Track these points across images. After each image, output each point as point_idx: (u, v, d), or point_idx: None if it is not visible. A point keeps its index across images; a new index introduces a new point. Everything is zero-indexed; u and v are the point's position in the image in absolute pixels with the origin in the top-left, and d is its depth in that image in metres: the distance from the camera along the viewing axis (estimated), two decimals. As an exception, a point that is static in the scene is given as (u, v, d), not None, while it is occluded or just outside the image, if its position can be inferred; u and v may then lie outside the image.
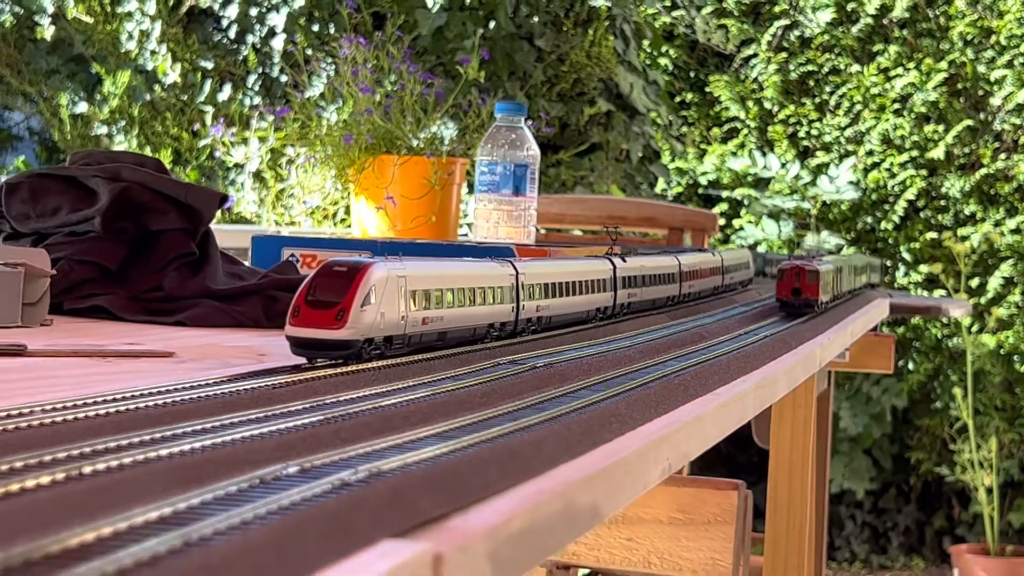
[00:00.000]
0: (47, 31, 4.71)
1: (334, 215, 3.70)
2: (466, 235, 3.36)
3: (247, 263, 1.95)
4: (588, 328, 1.65)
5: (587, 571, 2.30)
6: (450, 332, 1.29)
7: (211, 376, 1.03)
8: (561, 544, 0.79)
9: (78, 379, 1.10)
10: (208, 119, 4.64)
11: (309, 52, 4.34)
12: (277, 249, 2.03)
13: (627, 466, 0.91)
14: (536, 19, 4.79)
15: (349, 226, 3.45)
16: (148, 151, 4.66)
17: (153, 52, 4.71)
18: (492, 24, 4.71)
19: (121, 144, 4.68)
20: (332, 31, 4.60)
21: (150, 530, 0.55)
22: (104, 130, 4.72)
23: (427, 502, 0.67)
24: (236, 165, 4.55)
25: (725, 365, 1.42)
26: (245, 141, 4.33)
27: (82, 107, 4.73)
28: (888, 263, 5.90)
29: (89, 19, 4.73)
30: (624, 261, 1.82)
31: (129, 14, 4.71)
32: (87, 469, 0.66)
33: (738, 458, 5.79)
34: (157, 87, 4.72)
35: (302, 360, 1.14)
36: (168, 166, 4.61)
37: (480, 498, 0.72)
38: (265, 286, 1.67)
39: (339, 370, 1.10)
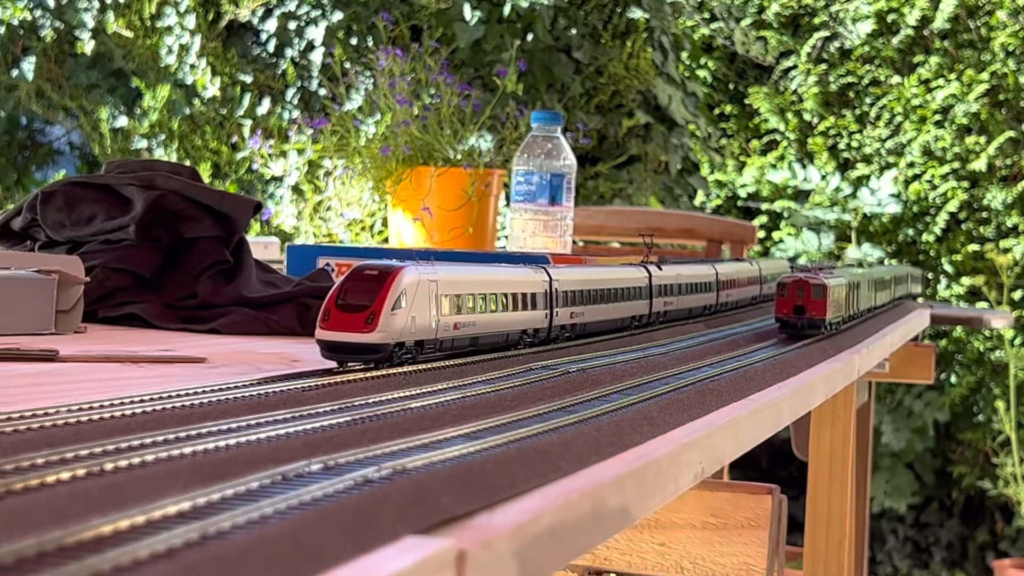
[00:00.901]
0: (87, 46, 4.74)
1: (371, 227, 3.70)
2: (504, 247, 3.35)
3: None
4: (623, 336, 1.64)
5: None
6: (482, 338, 1.28)
7: (241, 379, 1.03)
8: (590, 545, 0.78)
9: (108, 383, 1.10)
10: (247, 132, 4.65)
11: (347, 65, 4.35)
12: (312, 258, 2.03)
13: (658, 469, 0.90)
14: (574, 31, 4.78)
15: (386, 238, 3.45)
16: (187, 164, 4.68)
17: (193, 66, 4.73)
18: (530, 37, 4.71)
19: (161, 158, 4.70)
20: (370, 44, 4.60)
21: (168, 524, 0.54)
22: (144, 144, 4.74)
23: (451, 499, 0.66)
24: (274, 178, 4.56)
25: (761, 372, 1.41)
26: (284, 154, 4.34)
27: (122, 121, 4.75)
28: (930, 275, 5.86)
29: (129, 33, 4.75)
30: (660, 269, 1.81)
31: (169, 28, 4.73)
32: (108, 466, 0.66)
33: (778, 472, 5.76)
34: (197, 101, 4.74)
35: (334, 364, 1.14)
36: (207, 180, 4.64)
37: (507, 497, 0.71)
38: (299, 294, 1.66)
39: (370, 374, 1.10)
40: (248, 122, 4.70)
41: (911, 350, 3.03)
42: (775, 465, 5.78)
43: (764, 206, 6.05)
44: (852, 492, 2.64)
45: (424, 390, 1.03)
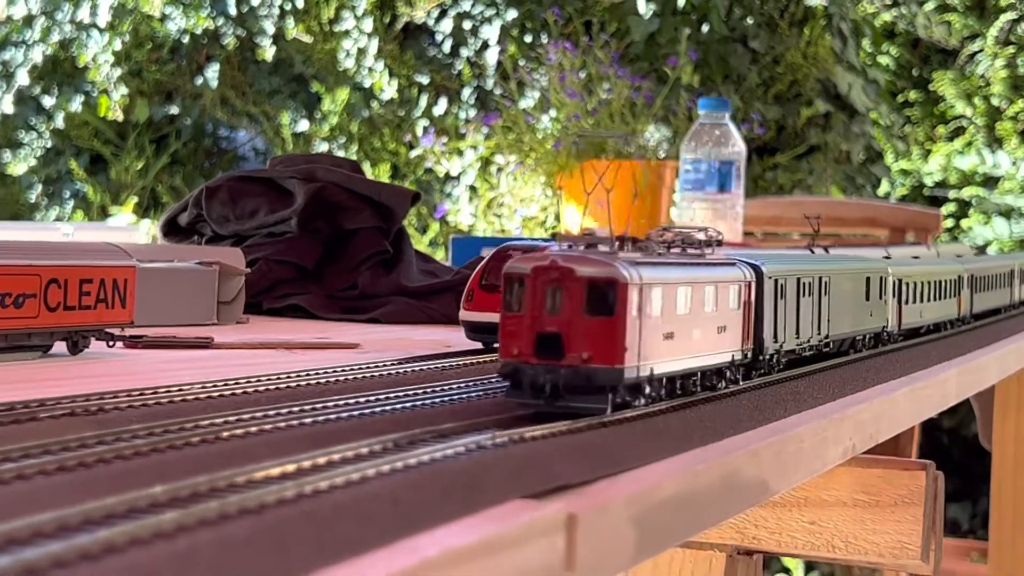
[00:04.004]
0: (268, 52, 4.83)
1: (544, 222, 3.70)
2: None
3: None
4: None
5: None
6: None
7: (384, 360, 1.03)
8: (722, 516, 0.77)
9: (256, 367, 1.11)
10: (421, 132, 4.69)
11: (521, 63, 4.36)
12: (476, 249, 2.03)
13: (800, 443, 0.87)
14: (750, 20, 4.72)
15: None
16: (367, 166, 4.73)
17: (370, 69, 4.78)
18: (705, 27, 4.66)
19: (341, 160, 4.76)
20: (544, 41, 4.61)
21: (267, 483, 0.54)
22: (324, 147, 4.81)
23: (566, 467, 0.65)
24: (450, 176, 4.59)
25: (926, 351, 1.37)
26: (460, 152, 4.36)
27: (303, 125, 4.83)
28: None
29: (308, 39, 4.83)
30: (827, 252, 1.77)
31: (347, 32, 4.79)
32: (225, 434, 0.66)
33: (974, 467, 5.61)
34: (375, 103, 4.80)
35: (482, 347, 1.13)
36: (387, 180, 4.68)
37: (629, 467, 0.70)
38: (458, 283, 1.66)
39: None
40: (425, 122, 4.74)
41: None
42: (970, 460, 5.63)
43: (952, 194, 5.90)
44: (1040, 482, 2.55)
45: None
